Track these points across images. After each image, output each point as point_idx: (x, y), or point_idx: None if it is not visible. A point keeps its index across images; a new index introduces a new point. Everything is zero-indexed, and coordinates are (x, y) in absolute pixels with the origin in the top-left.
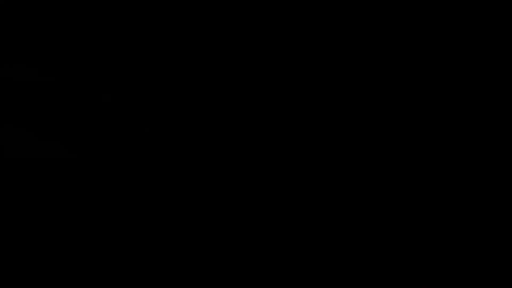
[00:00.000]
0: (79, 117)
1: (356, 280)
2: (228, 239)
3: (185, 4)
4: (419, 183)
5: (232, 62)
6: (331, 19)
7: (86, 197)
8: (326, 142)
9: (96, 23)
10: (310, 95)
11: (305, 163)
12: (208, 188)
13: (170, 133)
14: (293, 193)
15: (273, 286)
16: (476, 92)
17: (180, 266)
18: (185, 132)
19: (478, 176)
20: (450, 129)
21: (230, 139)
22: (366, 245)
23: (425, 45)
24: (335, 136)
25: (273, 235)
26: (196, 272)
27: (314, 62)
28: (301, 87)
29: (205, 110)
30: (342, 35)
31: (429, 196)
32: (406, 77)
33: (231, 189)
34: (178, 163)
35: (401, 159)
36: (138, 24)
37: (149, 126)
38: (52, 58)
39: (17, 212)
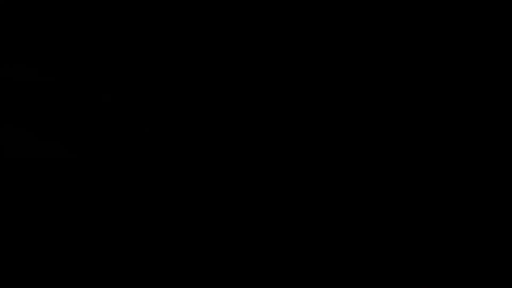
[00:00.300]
0: (79, 117)
1: (356, 280)
2: (228, 239)
3: (185, 4)
4: (419, 183)
5: (232, 62)
6: (331, 19)
7: (86, 197)
8: (326, 142)
9: (96, 23)
10: (310, 95)
11: (305, 163)
12: (208, 188)
13: (170, 133)
14: (293, 193)
15: (273, 286)
16: (476, 92)
17: (180, 266)
18: (185, 132)
19: (478, 176)
20: (450, 129)
21: (230, 139)
22: (366, 245)
23: (425, 45)
24: (335, 136)
25: (273, 235)
26: (196, 272)
27: (314, 62)
28: (301, 87)
29: (205, 110)
30: (342, 35)
31: (429, 196)
32: (406, 77)
33: (231, 189)
34: (178, 163)
35: (401, 159)
36: (138, 24)
37: (149, 126)
38: (52, 58)
39: (17, 212)
